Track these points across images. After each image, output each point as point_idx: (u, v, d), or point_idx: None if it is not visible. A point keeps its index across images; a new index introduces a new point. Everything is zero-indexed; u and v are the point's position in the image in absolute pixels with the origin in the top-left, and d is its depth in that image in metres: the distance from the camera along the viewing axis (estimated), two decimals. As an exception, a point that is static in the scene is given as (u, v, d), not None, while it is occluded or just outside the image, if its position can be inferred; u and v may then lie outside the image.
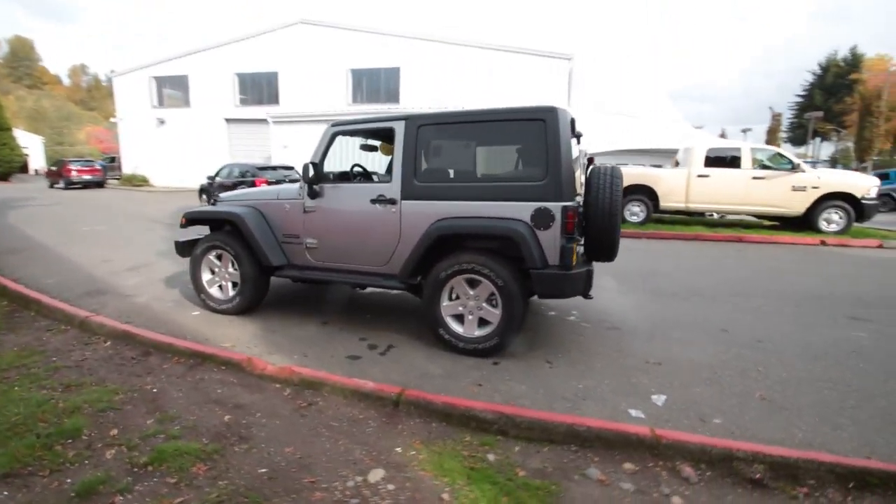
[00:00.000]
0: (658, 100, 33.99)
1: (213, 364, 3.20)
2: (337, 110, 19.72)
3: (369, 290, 4.93)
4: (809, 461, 2.07)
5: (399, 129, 3.57)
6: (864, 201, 8.90)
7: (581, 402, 2.70)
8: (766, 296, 5.04)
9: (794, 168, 9.25)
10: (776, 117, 46.07)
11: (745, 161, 9.54)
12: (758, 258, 7.34)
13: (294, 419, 2.56)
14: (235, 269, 4.11)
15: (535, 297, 3.83)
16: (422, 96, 19.71)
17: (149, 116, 24.48)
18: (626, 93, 32.55)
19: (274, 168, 13.35)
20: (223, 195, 4.61)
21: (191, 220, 4.41)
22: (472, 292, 3.35)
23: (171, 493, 1.93)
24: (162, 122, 24.31)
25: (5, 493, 1.89)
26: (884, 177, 18.20)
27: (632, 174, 10.14)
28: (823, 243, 8.49)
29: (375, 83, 21.21)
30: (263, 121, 20.58)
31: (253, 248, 3.96)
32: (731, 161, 9.73)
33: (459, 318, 3.44)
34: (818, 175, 9.31)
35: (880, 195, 9.35)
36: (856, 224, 9.21)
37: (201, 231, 4.52)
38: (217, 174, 13.75)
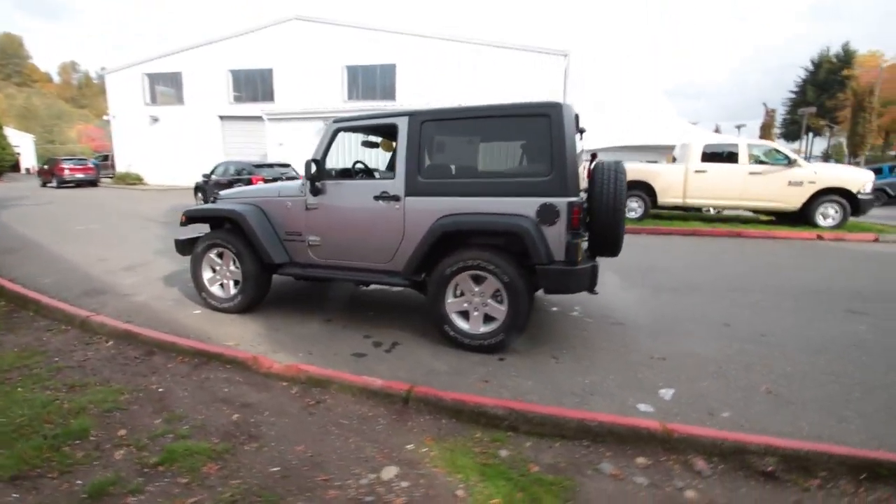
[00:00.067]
0: (655, 97, 34.10)
1: (219, 363, 3.17)
2: (333, 107, 19.59)
3: (371, 287, 4.92)
4: (821, 453, 2.09)
5: (402, 125, 3.54)
6: (859, 196, 8.98)
7: (589, 398, 2.71)
8: (765, 290, 5.08)
9: (790, 163, 9.31)
10: (770, 113, 46.28)
11: (742, 157, 9.58)
12: (755, 253, 7.39)
13: (303, 417, 2.55)
14: (237, 267, 4.08)
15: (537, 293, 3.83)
16: (418, 93, 19.64)
17: (142, 114, 24.22)
18: (625, 91, 32.66)
19: (270, 166, 13.24)
20: (223, 193, 4.57)
21: (191, 217, 4.38)
22: (477, 289, 3.35)
23: (184, 493, 1.91)
24: (155, 119, 24.06)
25: (15, 495, 1.87)
26: (877, 171, 18.34)
27: (629, 170, 10.12)
28: (820, 238, 8.57)
29: (371, 80, 21.09)
30: (258, 118, 20.42)
31: (255, 245, 3.93)
32: (728, 157, 9.79)
33: (464, 315, 3.43)
34: (814, 170, 9.37)
35: (874, 190, 9.44)
36: (852, 218, 9.30)
37: (200, 229, 4.49)
38: (212, 172, 13.64)
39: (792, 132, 43.77)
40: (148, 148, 24.31)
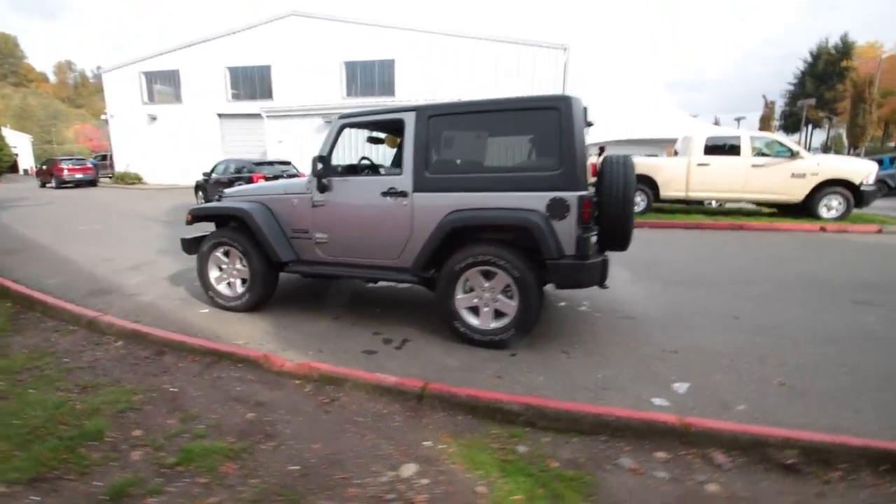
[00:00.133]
0: (655, 91, 34.02)
1: (230, 362, 3.16)
2: (332, 104, 19.52)
3: (378, 283, 4.90)
4: (840, 445, 2.09)
5: (409, 120, 3.52)
6: (862, 187, 8.96)
7: (603, 392, 2.70)
8: (771, 283, 5.07)
9: (793, 155, 9.29)
10: (769, 105, 46.21)
11: (745, 149, 9.55)
12: (758, 245, 7.38)
13: (318, 415, 2.54)
14: (244, 266, 4.06)
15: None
16: (417, 88, 19.56)
17: (140, 113, 24.09)
18: (625, 87, 32.56)
19: (271, 163, 13.15)
20: (228, 191, 4.55)
21: (196, 216, 4.36)
22: (487, 284, 3.33)
23: (204, 493, 1.91)
24: (153, 118, 23.95)
25: (35, 497, 1.85)
26: (878, 163, 18.32)
27: None
28: (823, 230, 8.56)
29: (370, 75, 21.00)
30: (257, 116, 20.32)
31: (262, 243, 3.91)
32: (731, 149, 9.75)
33: (475, 311, 3.42)
34: (817, 162, 9.34)
35: (876, 181, 9.43)
36: (855, 210, 9.28)
37: (205, 228, 4.47)
38: (213, 170, 13.56)
39: (791, 124, 43.73)
40: (146, 147, 24.21)
